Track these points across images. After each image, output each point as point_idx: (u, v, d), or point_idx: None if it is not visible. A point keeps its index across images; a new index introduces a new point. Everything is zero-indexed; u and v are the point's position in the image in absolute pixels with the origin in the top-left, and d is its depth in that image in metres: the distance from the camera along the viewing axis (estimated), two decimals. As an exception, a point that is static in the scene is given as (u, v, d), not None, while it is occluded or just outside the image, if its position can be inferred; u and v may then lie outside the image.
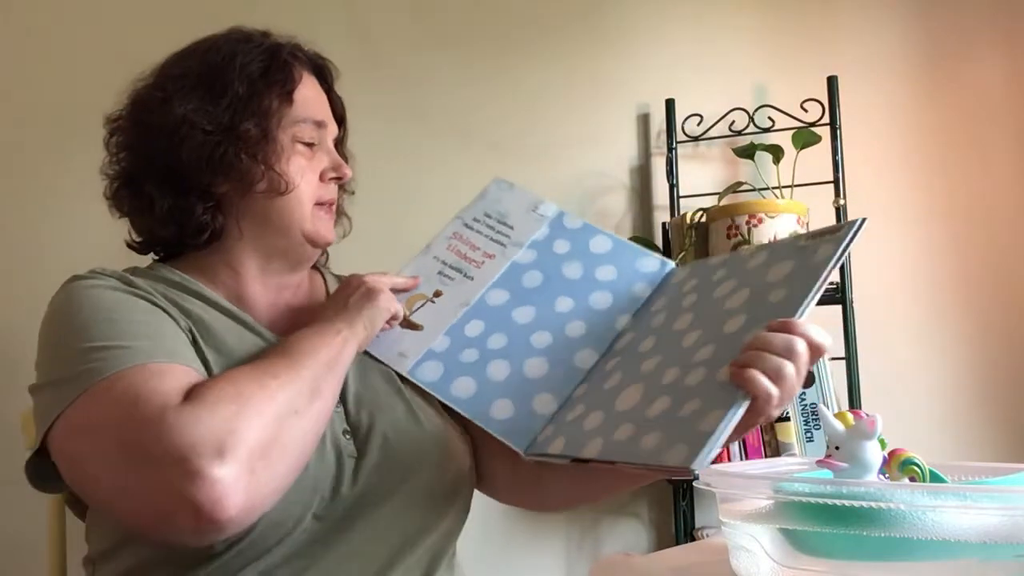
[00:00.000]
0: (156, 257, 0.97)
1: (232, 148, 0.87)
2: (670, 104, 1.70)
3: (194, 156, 0.87)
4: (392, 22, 1.78)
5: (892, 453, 0.70)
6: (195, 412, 0.69)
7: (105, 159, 0.94)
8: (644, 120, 1.76)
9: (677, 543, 1.57)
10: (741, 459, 1.48)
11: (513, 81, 1.76)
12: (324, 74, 0.99)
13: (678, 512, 1.59)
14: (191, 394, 0.71)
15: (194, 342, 0.82)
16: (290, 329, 0.93)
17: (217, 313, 0.87)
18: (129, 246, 0.97)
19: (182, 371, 0.75)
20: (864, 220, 0.77)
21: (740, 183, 1.66)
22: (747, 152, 1.64)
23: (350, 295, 0.90)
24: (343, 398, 0.89)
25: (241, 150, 0.87)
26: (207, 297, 0.88)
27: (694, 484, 0.83)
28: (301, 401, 0.76)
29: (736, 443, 1.48)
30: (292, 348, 0.81)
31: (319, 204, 0.93)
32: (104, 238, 1.65)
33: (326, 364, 0.81)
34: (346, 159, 1.01)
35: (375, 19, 1.77)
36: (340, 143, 1.01)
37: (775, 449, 1.46)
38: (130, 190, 0.92)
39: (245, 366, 0.79)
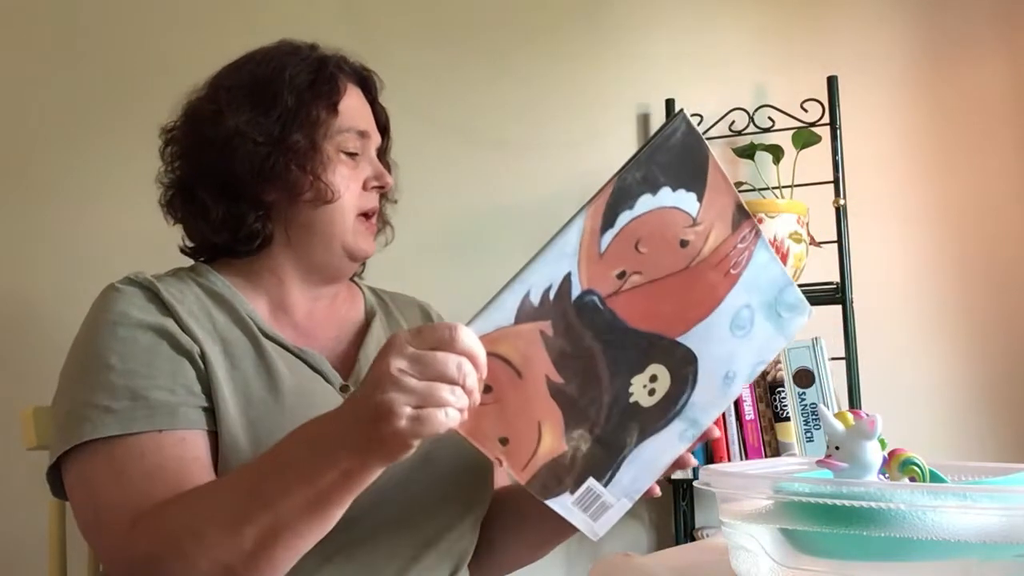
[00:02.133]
0: (204, 258, 0.99)
1: (282, 159, 0.90)
2: (670, 104, 1.70)
3: (246, 166, 0.90)
4: (391, 21, 1.78)
5: (892, 453, 0.70)
6: (129, 546, 0.73)
7: (160, 168, 0.98)
8: (644, 120, 1.76)
9: (677, 543, 1.58)
10: (741, 459, 1.48)
11: (513, 81, 1.76)
12: (368, 85, 1.01)
13: (678, 512, 1.59)
14: (135, 527, 0.74)
15: (206, 365, 0.83)
16: (323, 338, 0.95)
17: (239, 332, 0.89)
18: (182, 251, 1.00)
19: (147, 445, 0.78)
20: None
21: (740, 183, 1.66)
22: (747, 152, 1.64)
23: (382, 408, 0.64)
24: (356, 383, 0.91)
25: (291, 161, 0.90)
26: (237, 312, 0.90)
27: (694, 484, 0.82)
28: (238, 555, 0.69)
29: (736, 443, 1.48)
30: (265, 478, 0.70)
31: (362, 215, 0.95)
32: (105, 239, 1.66)
33: (302, 507, 0.68)
34: (389, 168, 1.03)
35: (373, 18, 1.77)
36: (384, 152, 1.03)
37: (775, 449, 1.46)
38: (184, 198, 0.95)
39: (198, 497, 0.74)
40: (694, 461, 0.80)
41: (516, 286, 0.65)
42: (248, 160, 0.90)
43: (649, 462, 0.75)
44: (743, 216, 0.73)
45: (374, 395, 0.62)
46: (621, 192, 0.67)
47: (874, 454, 0.68)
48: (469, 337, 0.63)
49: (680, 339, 0.73)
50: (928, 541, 0.57)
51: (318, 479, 0.66)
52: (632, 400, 0.72)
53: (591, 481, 0.73)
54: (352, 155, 0.95)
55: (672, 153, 0.68)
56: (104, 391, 0.80)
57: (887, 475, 0.71)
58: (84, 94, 1.69)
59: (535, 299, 0.66)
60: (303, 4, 1.76)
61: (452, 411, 0.62)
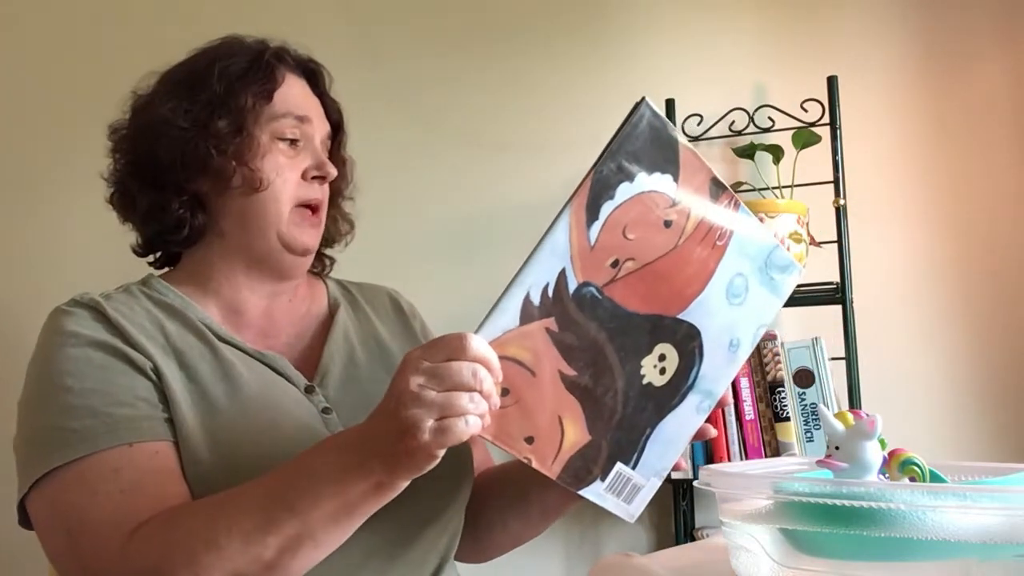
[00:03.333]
0: (155, 258, 0.98)
1: (204, 144, 0.87)
2: (670, 104, 1.70)
3: (169, 153, 0.88)
4: (392, 24, 1.78)
5: (892, 453, 0.70)
6: (124, 561, 0.71)
7: (109, 166, 0.96)
8: (644, 120, 1.76)
9: (677, 543, 1.58)
10: (741, 459, 1.48)
11: (513, 82, 1.76)
12: (316, 78, 0.98)
13: (678, 512, 1.59)
14: (132, 540, 0.72)
15: (160, 379, 0.81)
16: (283, 337, 0.94)
17: (194, 340, 0.86)
18: (133, 250, 0.98)
19: (119, 460, 0.76)
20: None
21: (740, 183, 1.66)
22: (747, 152, 1.64)
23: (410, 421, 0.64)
24: (322, 382, 0.90)
25: (212, 146, 0.87)
26: (187, 319, 0.88)
27: (694, 484, 0.83)
28: (256, 567, 0.69)
29: (736, 443, 1.48)
30: (292, 487, 0.70)
31: (302, 205, 0.92)
32: (101, 239, 1.65)
33: (330, 515, 0.69)
34: (344, 163, 1.01)
35: (375, 21, 1.77)
36: (338, 148, 1.01)
37: (775, 449, 1.46)
38: (120, 191, 0.94)
39: (212, 506, 0.72)
40: (714, 431, 0.82)
41: (515, 289, 0.67)
42: (171, 146, 0.88)
43: (671, 438, 0.78)
44: (720, 189, 0.75)
45: (398, 412, 0.63)
46: (600, 184, 0.69)
47: (874, 454, 0.68)
48: (479, 343, 0.64)
49: (681, 316, 0.75)
50: (928, 541, 0.57)
51: (349, 489, 0.68)
52: (645, 382, 0.75)
53: (619, 466, 0.75)
54: (293, 144, 0.91)
55: (641, 140, 0.70)
56: (64, 414, 0.78)
57: (887, 475, 0.71)
58: (76, 98, 1.69)
59: (535, 299, 0.68)
60: (303, 7, 1.76)
61: (472, 418, 0.63)
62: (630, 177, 0.70)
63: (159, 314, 0.87)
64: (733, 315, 0.78)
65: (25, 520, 0.81)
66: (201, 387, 0.82)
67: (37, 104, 1.70)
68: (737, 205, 0.77)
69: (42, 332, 0.85)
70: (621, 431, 0.74)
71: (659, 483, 0.78)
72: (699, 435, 0.81)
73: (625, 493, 0.77)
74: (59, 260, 1.65)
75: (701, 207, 0.74)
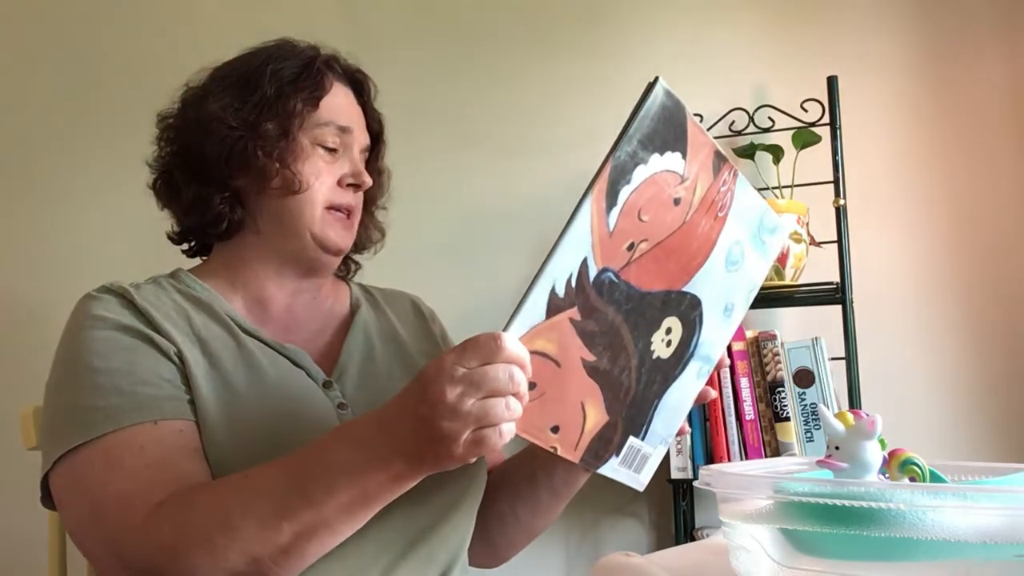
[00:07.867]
0: (188, 247, 1.01)
1: (251, 144, 0.90)
2: (670, 104, 1.70)
3: (216, 150, 0.91)
4: (390, 22, 1.78)
5: (892, 453, 0.70)
6: (144, 537, 0.72)
7: (152, 154, 0.99)
8: (644, 120, 1.76)
9: (677, 543, 1.58)
10: (741, 459, 1.48)
11: (512, 81, 1.76)
12: (361, 88, 1.01)
13: (678, 512, 1.59)
14: (153, 516, 0.72)
15: (184, 364, 0.83)
16: (305, 332, 0.95)
17: (219, 330, 0.89)
18: (169, 237, 1.01)
19: (144, 436, 0.77)
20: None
21: (740, 183, 1.66)
22: (747, 152, 1.64)
23: (447, 419, 0.63)
24: (340, 378, 0.91)
25: (259, 147, 0.90)
26: (213, 310, 0.90)
27: (694, 484, 0.84)
28: (271, 549, 0.69)
29: (736, 443, 1.48)
30: (308, 475, 0.70)
31: (333, 208, 0.94)
32: (106, 242, 1.66)
33: (345, 505, 0.69)
34: (380, 173, 1.03)
35: (373, 18, 1.77)
36: (376, 158, 1.03)
37: (775, 449, 1.46)
38: (164, 181, 0.97)
39: (229, 488, 0.73)
40: (713, 393, 0.85)
41: (542, 282, 0.67)
42: (219, 144, 0.91)
43: (676, 406, 0.80)
44: (722, 161, 0.76)
45: (432, 420, 0.63)
46: (618, 170, 0.69)
47: (874, 454, 0.68)
48: (513, 343, 0.64)
49: (685, 288, 0.77)
50: (928, 541, 0.57)
51: (366, 480, 0.68)
52: (655, 356, 0.76)
53: (631, 439, 0.77)
54: (331, 151, 0.94)
55: (656, 121, 0.70)
56: (91, 393, 0.79)
57: (887, 475, 0.71)
58: (86, 97, 1.69)
59: (560, 291, 0.68)
60: (302, 4, 1.76)
61: (507, 426, 0.64)
62: (645, 160, 0.70)
63: (186, 305, 0.90)
64: (730, 281, 0.80)
65: (46, 498, 0.82)
66: (222, 373, 0.84)
67: (71, 102, 1.70)
68: (735, 175, 0.78)
69: (71, 317, 0.87)
70: (634, 407, 0.76)
71: (665, 450, 0.80)
72: (700, 398, 0.83)
73: (635, 464, 0.78)
74: (88, 254, 1.65)
75: (705, 181, 0.75)
